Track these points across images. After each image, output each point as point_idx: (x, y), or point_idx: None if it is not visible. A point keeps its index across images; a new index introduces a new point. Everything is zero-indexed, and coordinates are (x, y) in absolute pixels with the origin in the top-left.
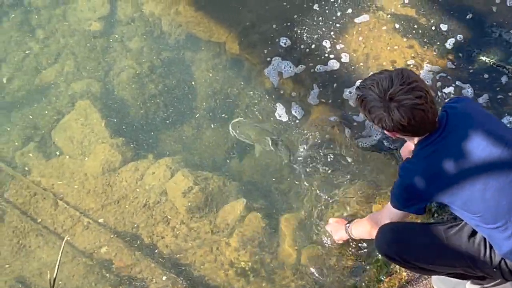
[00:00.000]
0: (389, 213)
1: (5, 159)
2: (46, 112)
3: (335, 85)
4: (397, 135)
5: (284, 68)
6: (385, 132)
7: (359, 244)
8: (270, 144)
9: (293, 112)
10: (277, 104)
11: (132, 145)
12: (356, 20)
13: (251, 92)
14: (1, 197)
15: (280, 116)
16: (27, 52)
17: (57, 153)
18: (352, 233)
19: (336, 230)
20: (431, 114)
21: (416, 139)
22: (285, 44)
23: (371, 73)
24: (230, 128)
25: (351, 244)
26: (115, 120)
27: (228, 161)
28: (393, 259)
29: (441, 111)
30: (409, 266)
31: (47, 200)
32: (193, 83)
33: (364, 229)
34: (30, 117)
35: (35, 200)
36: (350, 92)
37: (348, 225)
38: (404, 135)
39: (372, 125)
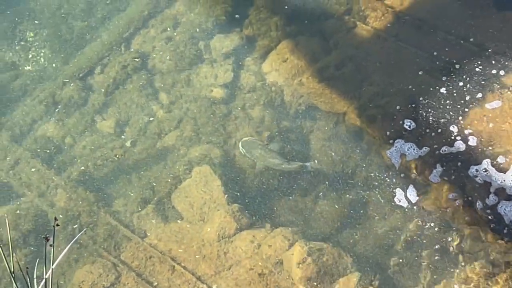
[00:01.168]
0: None
1: (123, 220)
2: (166, 175)
3: (459, 164)
4: None
5: (408, 150)
6: None
7: None
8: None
9: (413, 195)
10: (396, 187)
11: (248, 213)
12: (487, 105)
13: (369, 167)
14: (117, 258)
15: (399, 201)
16: (150, 118)
17: (176, 217)
18: None
19: None
20: None
21: None
22: (409, 126)
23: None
24: (240, 146)
25: None
26: (233, 187)
27: (342, 232)
28: None
29: None
30: None
31: (164, 264)
32: (310, 153)
33: None
34: (150, 180)
35: (151, 263)
36: (477, 170)
37: None
38: None
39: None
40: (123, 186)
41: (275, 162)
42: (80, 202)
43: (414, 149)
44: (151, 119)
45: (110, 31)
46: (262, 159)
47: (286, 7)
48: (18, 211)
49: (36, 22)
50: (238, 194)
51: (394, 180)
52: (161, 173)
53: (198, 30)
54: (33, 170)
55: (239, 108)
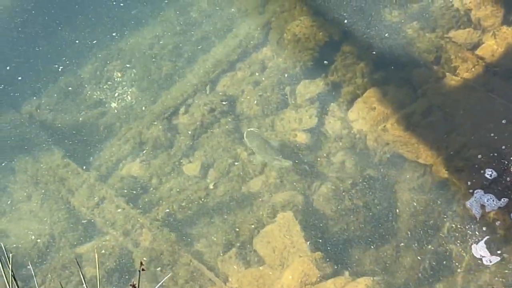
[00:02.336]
0: None
1: (207, 263)
2: (249, 219)
3: None
4: None
5: (487, 201)
6: None
7: None
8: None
9: (493, 248)
10: (478, 239)
11: (330, 261)
12: None
13: (452, 219)
14: None
15: (480, 254)
16: (235, 162)
17: (257, 261)
18: None
19: None
20: None
21: None
22: (490, 175)
23: None
24: (244, 135)
25: None
26: (315, 233)
27: (425, 285)
28: None
29: None
30: None
31: None
32: (394, 202)
33: None
34: (233, 223)
35: None
36: None
37: None
38: None
39: None
40: (206, 228)
41: (269, 157)
42: (164, 243)
43: (493, 200)
44: (236, 163)
45: (196, 72)
46: (260, 152)
47: (374, 52)
48: (102, 250)
49: (124, 62)
50: (320, 241)
51: (475, 232)
52: (244, 217)
53: (284, 75)
54: (118, 209)
55: (323, 154)
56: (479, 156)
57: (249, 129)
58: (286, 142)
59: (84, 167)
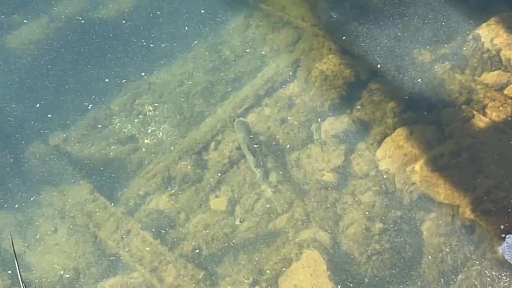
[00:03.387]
0: None
1: None
2: (274, 258)
3: None
4: None
5: None
6: None
7: None
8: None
9: None
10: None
11: None
12: None
13: (480, 263)
14: None
15: None
16: (261, 198)
17: None
18: None
19: None
20: None
21: None
22: None
23: None
24: (235, 122)
25: None
26: (340, 273)
27: None
28: None
29: None
30: None
31: None
32: (421, 244)
33: None
34: (257, 260)
35: None
36: None
37: None
38: None
39: None
40: (231, 266)
41: (245, 150)
42: (189, 280)
43: None
44: (261, 199)
45: (225, 108)
46: (240, 141)
47: (401, 91)
48: (127, 284)
49: (155, 96)
50: (348, 282)
51: (508, 279)
52: (269, 254)
53: (311, 111)
54: (143, 243)
55: (350, 194)
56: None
57: (239, 119)
58: (272, 139)
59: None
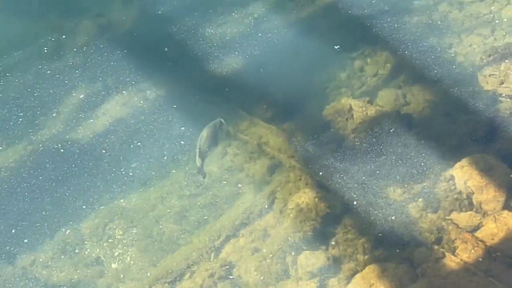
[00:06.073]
0: None
1: None
2: None
3: None
4: None
5: None
6: None
7: None
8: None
9: None
10: None
11: None
12: None
13: None
14: None
15: None
16: None
17: None
18: None
19: None
20: None
21: None
22: None
23: None
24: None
25: None
26: None
27: None
28: None
29: None
30: None
31: None
32: None
33: None
34: None
35: None
36: None
37: None
38: None
39: None
40: None
41: (196, 154)
42: None
43: None
44: None
45: (201, 238)
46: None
47: (375, 228)
48: None
49: (127, 221)
50: None
51: None
52: None
53: (286, 244)
54: None
55: None
56: None
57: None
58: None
59: None
